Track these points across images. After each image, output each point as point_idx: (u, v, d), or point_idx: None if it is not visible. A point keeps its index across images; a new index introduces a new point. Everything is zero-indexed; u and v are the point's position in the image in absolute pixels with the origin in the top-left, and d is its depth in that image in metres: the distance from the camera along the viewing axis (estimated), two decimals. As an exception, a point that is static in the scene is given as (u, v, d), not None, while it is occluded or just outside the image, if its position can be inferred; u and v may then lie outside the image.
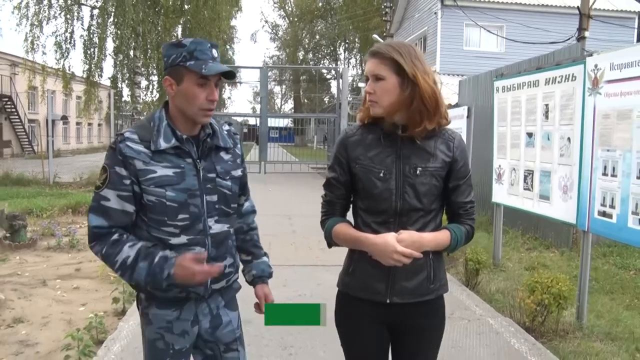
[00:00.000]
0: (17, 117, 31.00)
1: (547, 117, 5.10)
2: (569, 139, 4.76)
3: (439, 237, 1.96)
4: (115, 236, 1.92)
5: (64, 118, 34.00)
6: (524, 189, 5.56)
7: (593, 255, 7.20)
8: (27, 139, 32.01)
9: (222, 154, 2.07)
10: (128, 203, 1.92)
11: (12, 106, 30.43)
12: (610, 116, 4.17)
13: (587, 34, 11.83)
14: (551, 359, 3.89)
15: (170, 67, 1.91)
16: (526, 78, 5.52)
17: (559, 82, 4.90)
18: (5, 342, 4.26)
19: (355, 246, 1.99)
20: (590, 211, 4.43)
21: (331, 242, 2.09)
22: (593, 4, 11.99)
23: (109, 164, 1.92)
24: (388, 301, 1.98)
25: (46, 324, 4.69)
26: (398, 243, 1.85)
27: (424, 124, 1.90)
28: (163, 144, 1.92)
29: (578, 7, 11.97)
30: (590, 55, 4.47)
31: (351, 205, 2.11)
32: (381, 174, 1.95)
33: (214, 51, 1.92)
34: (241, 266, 2.26)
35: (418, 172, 1.94)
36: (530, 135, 5.42)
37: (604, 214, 4.25)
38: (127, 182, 1.91)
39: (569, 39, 12.69)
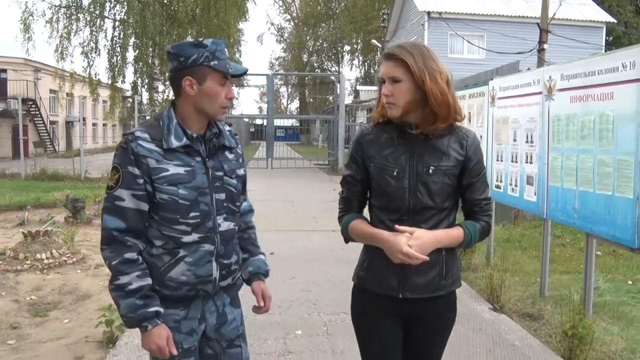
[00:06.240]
0: (40, 119, 33.06)
1: (470, 121, 7.18)
2: (481, 136, 6.84)
3: (451, 234, 1.98)
4: (132, 254, 1.92)
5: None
6: (458, 173, 7.66)
7: (533, 229, 9.31)
8: (49, 139, 34.12)
9: (227, 153, 2.08)
10: (143, 202, 1.92)
11: (36, 109, 32.48)
12: (499, 121, 6.25)
13: (546, 46, 13.91)
14: (453, 277, 5.96)
15: (191, 67, 1.90)
16: (460, 92, 7.60)
17: (476, 96, 6.98)
18: (98, 275, 6.37)
19: (371, 242, 2.03)
20: (490, 186, 6.52)
21: (347, 238, 2.12)
22: (551, 19, 14.05)
23: (120, 163, 1.91)
24: (400, 296, 2.00)
25: (121, 267, 6.79)
26: (408, 243, 1.87)
27: (437, 124, 1.93)
28: (175, 142, 1.91)
29: (538, 23, 14.03)
30: (492, 79, 6.56)
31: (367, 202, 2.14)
32: (395, 173, 1.97)
33: (226, 51, 1.98)
34: None
35: (431, 171, 1.95)
36: (461, 134, 7.49)
37: (497, 186, 6.36)
38: (141, 181, 1.90)
39: (532, 50, 14.73)
